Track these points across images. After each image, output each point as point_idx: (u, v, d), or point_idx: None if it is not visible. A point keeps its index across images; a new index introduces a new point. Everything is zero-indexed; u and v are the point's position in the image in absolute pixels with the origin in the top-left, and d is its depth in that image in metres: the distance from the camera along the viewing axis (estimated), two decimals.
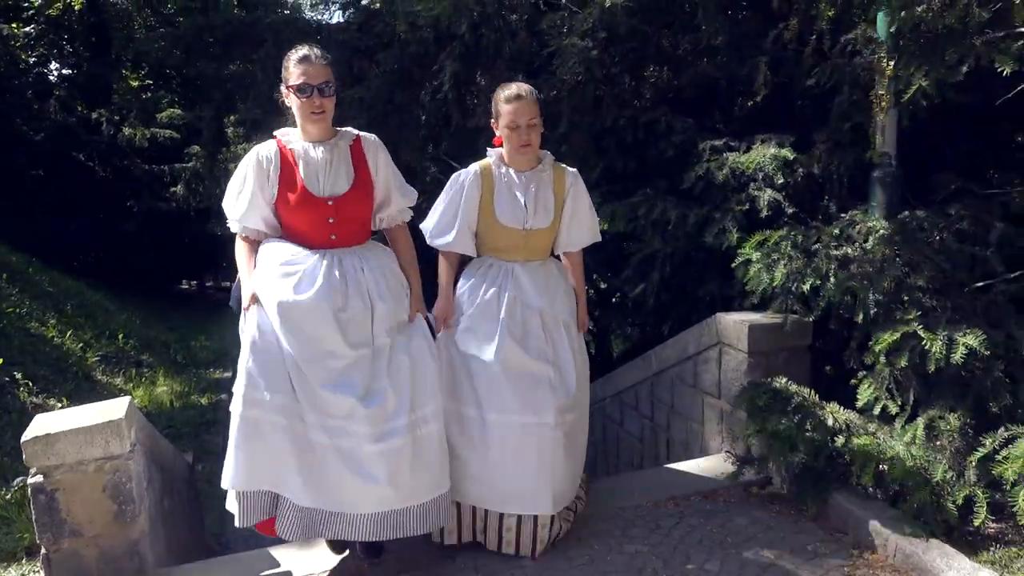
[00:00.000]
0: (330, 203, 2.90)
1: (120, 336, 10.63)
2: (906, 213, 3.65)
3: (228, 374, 7.39)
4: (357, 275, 2.92)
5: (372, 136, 3.07)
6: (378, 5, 6.46)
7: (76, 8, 18.50)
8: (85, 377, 8.31)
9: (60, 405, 6.74)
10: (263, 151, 2.93)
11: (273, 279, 2.87)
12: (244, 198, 2.93)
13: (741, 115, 5.16)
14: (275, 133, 3.01)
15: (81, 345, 9.17)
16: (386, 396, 2.85)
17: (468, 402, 3.12)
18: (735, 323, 3.87)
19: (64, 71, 19.33)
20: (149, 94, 19.49)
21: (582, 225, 3.32)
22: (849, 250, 3.61)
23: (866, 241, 3.62)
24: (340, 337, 2.83)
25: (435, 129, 6.36)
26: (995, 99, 3.63)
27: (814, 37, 4.00)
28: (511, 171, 3.20)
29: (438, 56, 5.43)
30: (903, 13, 3.24)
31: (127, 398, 3.35)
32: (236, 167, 3.02)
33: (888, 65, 3.52)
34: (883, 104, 3.65)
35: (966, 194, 3.76)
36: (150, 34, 16.83)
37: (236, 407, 2.83)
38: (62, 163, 15.07)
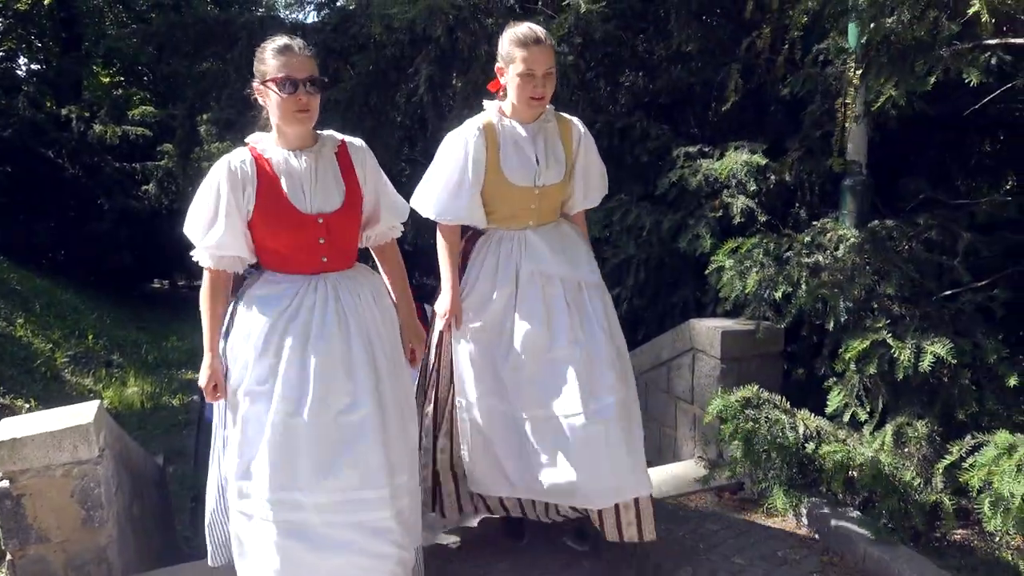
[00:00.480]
0: (320, 221, 2.45)
1: (90, 336, 10.48)
2: (876, 222, 3.71)
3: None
4: (356, 307, 2.52)
5: (359, 141, 2.64)
6: (353, 6, 6.43)
7: (45, 3, 18.21)
8: (54, 377, 8.18)
9: (28, 406, 6.64)
10: (235, 161, 2.44)
11: (263, 329, 2.46)
12: (220, 220, 2.42)
13: (715, 120, 5.21)
14: (247, 140, 2.55)
15: (50, 345, 9.03)
16: (398, 450, 2.54)
17: (494, 393, 2.86)
18: (708, 329, 3.90)
19: (33, 66, 19.05)
20: (120, 91, 19.23)
21: (595, 179, 3.00)
22: (820, 258, 3.66)
23: (837, 249, 3.67)
24: (352, 387, 2.45)
25: (411, 131, 6.35)
26: (962, 109, 3.71)
27: (786, 46, 4.05)
28: (515, 123, 2.83)
29: (413, 59, 5.43)
30: (873, 24, 3.30)
31: (96, 402, 3.31)
32: (210, 166, 2.75)
33: (855, 74, 3.57)
34: (849, 113, 3.71)
35: (934, 204, 3.83)
36: (121, 31, 16.64)
37: (238, 521, 2.51)
38: (31, 160, 14.81)
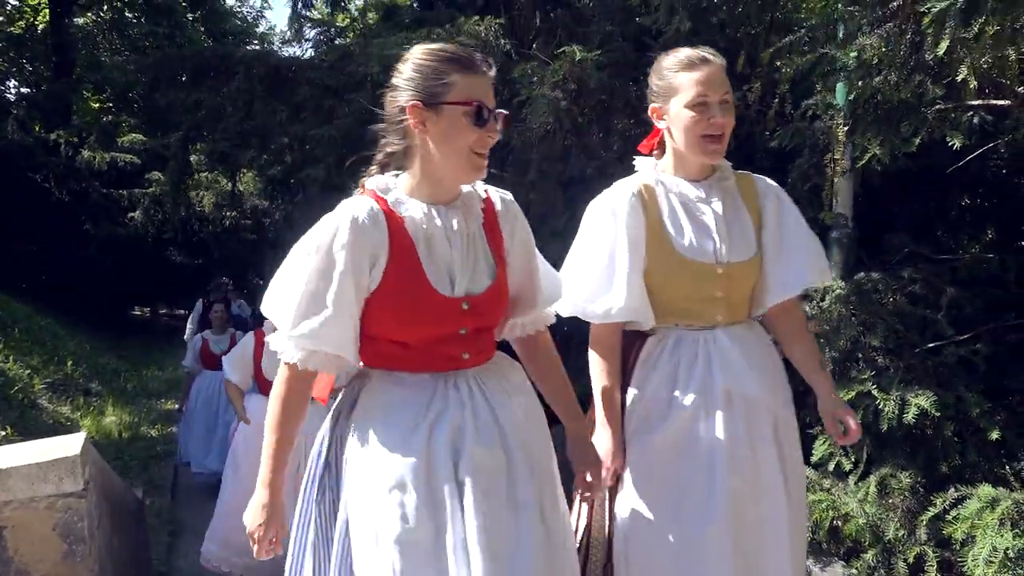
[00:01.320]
0: (466, 307, 1.74)
1: (69, 363, 10.36)
2: (862, 274, 3.78)
3: (179, 405, 7.27)
4: (510, 412, 1.78)
5: (507, 195, 1.92)
6: (353, 46, 6.51)
7: (39, 27, 18.31)
8: (31, 405, 8.07)
9: (3, 434, 6.55)
10: (361, 213, 1.69)
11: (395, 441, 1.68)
12: (330, 300, 1.66)
13: None
14: (369, 184, 1.78)
15: (28, 371, 8.93)
16: None
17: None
18: None
19: (23, 90, 19.08)
20: (110, 117, 19.27)
21: (798, 249, 2.13)
22: (807, 308, 3.72)
23: (823, 300, 3.73)
24: (525, 531, 1.68)
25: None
26: (945, 165, 3.81)
27: (776, 100, 4.15)
28: (681, 181, 2.10)
29: None
30: (860, 83, 3.40)
31: (82, 434, 3.30)
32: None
33: (842, 130, 3.68)
34: (837, 168, 3.81)
35: (918, 257, 3.92)
36: (116, 59, 16.73)
37: None
38: (17, 183, 14.75)
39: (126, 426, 8.78)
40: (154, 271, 17.08)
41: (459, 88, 1.69)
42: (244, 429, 4.31)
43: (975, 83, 2.89)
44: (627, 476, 2.04)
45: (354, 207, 1.71)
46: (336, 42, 7.83)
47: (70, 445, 3.13)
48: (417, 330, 1.73)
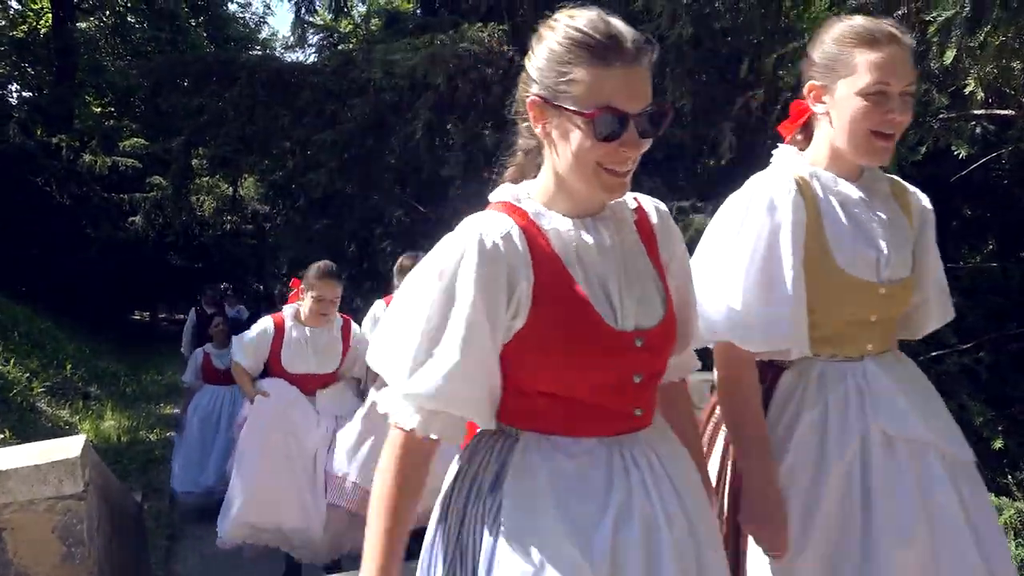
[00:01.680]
0: (639, 343, 1.33)
1: (68, 366, 10.36)
2: None
3: (178, 410, 7.25)
4: (683, 492, 1.36)
5: (661, 204, 1.53)
6: (356, 51, 6.54)
7: (42, 32, 18.36)
8: (30, 408, 8.07)
9: (2, 437, 6.54)
10: (492, 233, 1.28)
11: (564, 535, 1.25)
12: (454, 344, 1.24)
13: (705, 174, 5.32)
14: (498, 194, 1.41)
15: (27, 375, 8.92)
16: None
17: None
18: (697, 383, 3.92)
19: (25, 94, 19.13)
20: (112, 121, 19.31)
21: (942, 271, 1.83)
22: None
23: None
24: None
25: (403, 173, 6.42)
26: (948, 174, 3.82)
27: (779, 107, 4.16)
28: (840, 179, 1.69)
29: (412, 104, 5.52)
30: None
31: (82, 436, 3.29)
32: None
33: None
34: None
35: None
36: (119, 64, 16.79)
37: None
38: (18, 187, 14.78)
39: (125, 430, 8.77)
40: (154, 275, 17.13)
41: (584, 88, 1.24)
42: (260, 400, 4.03)
43: (981, 94, 2.90)
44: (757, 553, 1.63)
45: (482, 224, 1.30)
46: (339, 48, 7.84)
47: (70, 447, 3.13)
48: (584, 375, 1.30)
